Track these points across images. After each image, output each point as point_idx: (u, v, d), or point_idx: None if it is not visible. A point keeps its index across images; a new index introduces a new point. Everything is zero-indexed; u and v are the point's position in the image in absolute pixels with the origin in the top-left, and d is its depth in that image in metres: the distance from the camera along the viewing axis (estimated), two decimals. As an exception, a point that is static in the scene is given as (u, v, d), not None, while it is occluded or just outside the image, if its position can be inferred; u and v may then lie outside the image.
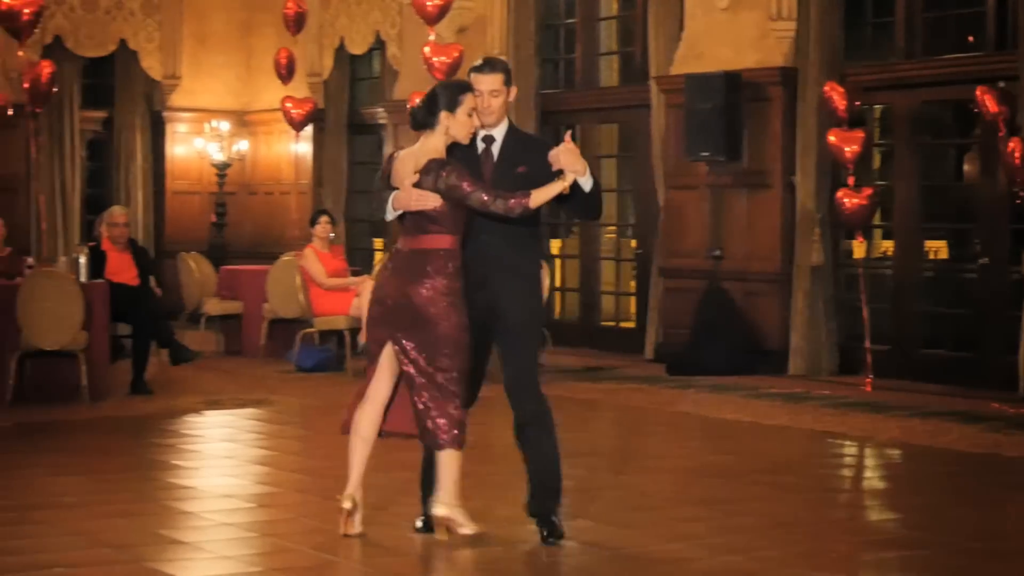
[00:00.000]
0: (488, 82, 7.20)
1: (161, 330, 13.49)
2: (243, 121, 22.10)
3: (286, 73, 19.01)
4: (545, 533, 7.24)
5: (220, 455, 10.14)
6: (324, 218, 15.31)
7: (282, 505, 8.34)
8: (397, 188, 7.15)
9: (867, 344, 13.60)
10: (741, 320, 14.90)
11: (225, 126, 21.78)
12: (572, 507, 8.24)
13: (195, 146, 22.01)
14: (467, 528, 7.18)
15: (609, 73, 18.01)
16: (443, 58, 15.34)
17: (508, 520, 7.55)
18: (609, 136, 18.30)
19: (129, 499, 8.44)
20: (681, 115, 15.41)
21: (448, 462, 7.09)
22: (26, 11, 14.26)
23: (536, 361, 7.33)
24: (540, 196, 6.95)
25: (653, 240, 16.24)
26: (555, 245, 18.35)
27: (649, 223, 16.49)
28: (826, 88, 13.70)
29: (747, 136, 14.96)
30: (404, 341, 7.11)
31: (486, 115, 7.20)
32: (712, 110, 14.84)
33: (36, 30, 14.89)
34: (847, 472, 10.34)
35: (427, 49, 15.41)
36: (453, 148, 7.19)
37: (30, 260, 13.69)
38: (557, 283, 17.77)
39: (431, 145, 7.15)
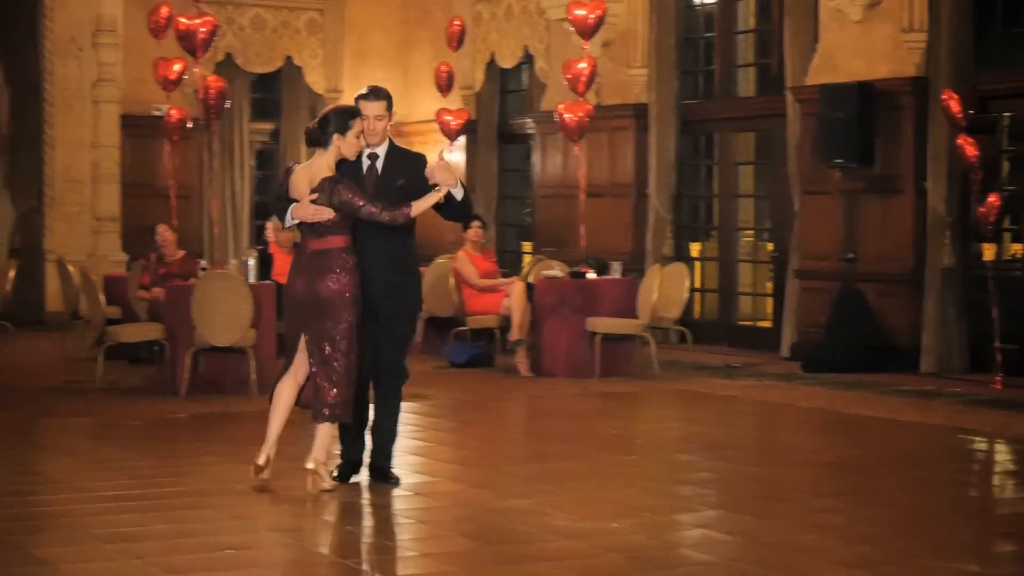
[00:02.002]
0: (374, 108, 8.08)
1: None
2: (400, 132, 22.22)
3: (445, 86, 19.15)
4: (384, 480, 8.30)
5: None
6: (476, 223, 15.37)
7: (436, 494, 8.35)
8: (294, 199, 7.95)
9: (996, 343, 13.32)
10: (874, 320, 14.68)
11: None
12: (713, 498, 8.18)
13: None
14: (327, 484, 8.03)
15: (746, 84, 17.84)
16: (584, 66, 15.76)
17: (656, 509, 7.50)
18: (746, 144, 18.14)
19: (295, 487, 8.47)
20: (815, 123, 15.21)
21: (324, 433, 8.04)
22: (202, 31, 14.47)
23: (404, 343, 8.41)
24: (419, 206, 7.93)
25: (789, 243, 16.05)
26: (695, 248, 18.22)
27: (785, 227, 16.30)
28: (943, 96, 13.46)
29: (879, 143, 14.72)
30: (310, 331, 7.97)
31: (371, 136, 8.06)
32: (846, 119, 14.64)
33: (210, 49, 15.07)
34: (978, 466, 10.12)
35: (583, 64, 15.79)
36: (341, 163, 8.00)
37: (203, 263, 13.89)
38: (697, 284, 17.64)
39: (323, 162, 7.95)
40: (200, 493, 8.22)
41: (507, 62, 20.40)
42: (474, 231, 15.27)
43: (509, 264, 18.35)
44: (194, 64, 15.06)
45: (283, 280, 13.27)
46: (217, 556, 6.67)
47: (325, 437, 8.08)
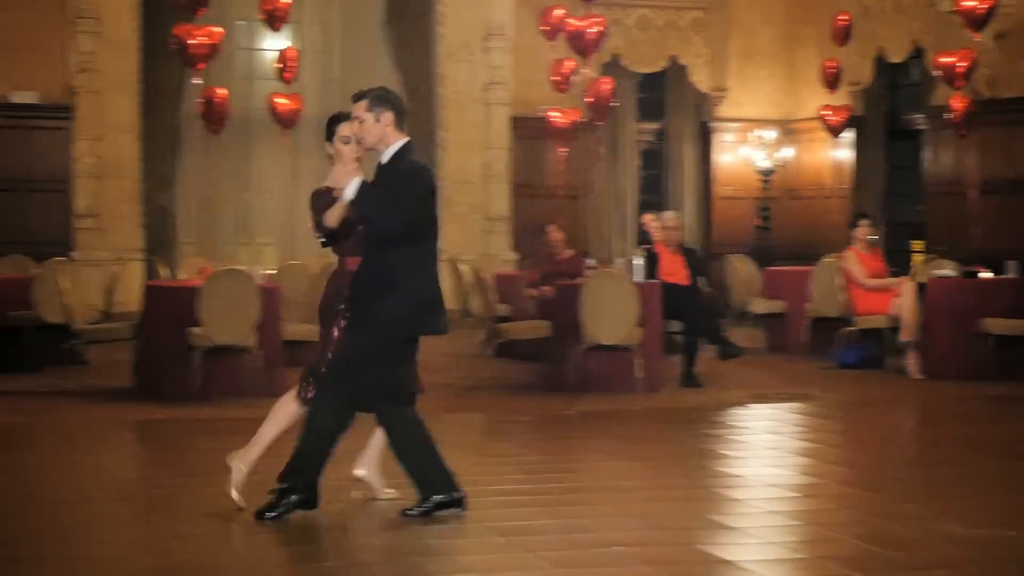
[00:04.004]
0: (354, 109, 7.38)
1: (710, 327, 13.55)
2: (786, 129, 22.00)
3: (832, 82, 18.85)
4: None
5: (765, 446, 10.08)
6: (865, 221, 15.08)
7: (825, 495, 8.21)
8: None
9: None
10: None
11: (770, 135, 21.75)
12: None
13: (740, 154, 22.06)
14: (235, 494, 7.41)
15: None
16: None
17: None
18: None
19: (680, 485, 8.51)
20: None
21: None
22: (591, 31, 14.65)
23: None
24: (330, 215, 7.35)
25: None
26: None
27: None
28: None
29: None
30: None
31: (365, 140, 7.40)
32: None
33: (598, 50, 15.25)
34: None
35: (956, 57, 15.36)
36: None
37: (591, 261, 14.05)
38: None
39: (333, 172, 7.44)
40: (589, 489, 8.32)
41: (896, 56, 19.91)
42: (863, 229, 14.99)
43: (898, 263, 17.89)
44: (583, 65, 15.26)
45: (669, 279, 13.43)
46: (605, 552, 6.71)
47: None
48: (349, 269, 7.50)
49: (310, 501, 7.31)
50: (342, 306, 7.45)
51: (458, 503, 7.42)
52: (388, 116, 7.37)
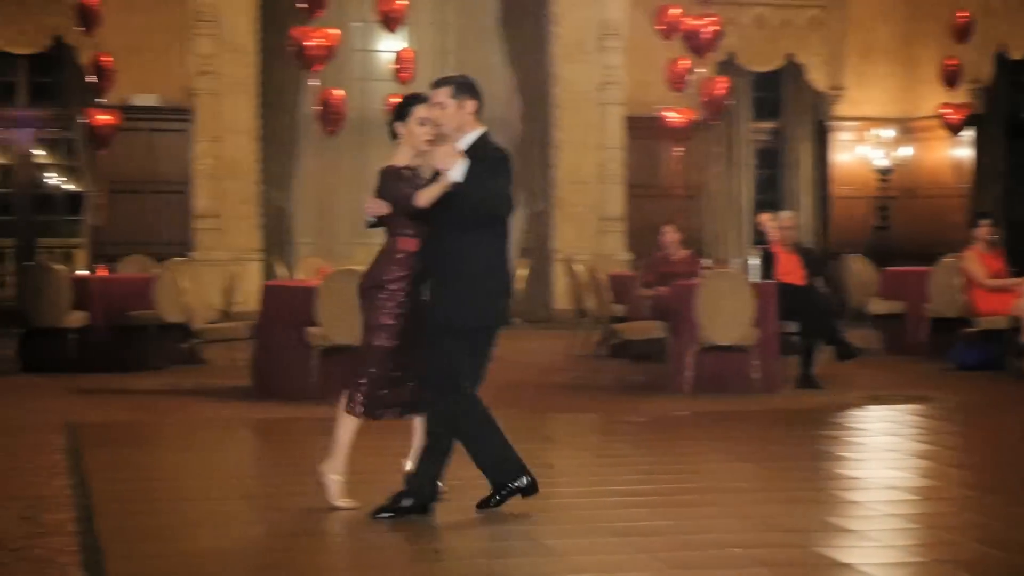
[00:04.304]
0: (434, 95, 7.44)
1: (827, 328, 13.46)
2: (904, 128, 21.77)
3: (952, 80, 18.63)
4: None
5: (883, 448, 9.98)
6: (986, 221, 14.89)
7: (944, 498, 8.12)
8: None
9: None
10: None
11: (888, 133, 21.53)
12: None
13: (858, 153, 21.86)
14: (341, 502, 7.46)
15: None
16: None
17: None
18: None
19: (797, 487, 8.46)
20: None
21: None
22: (706, 31, 14.59)
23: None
24: (426, 195, 7.26)
25: None
26: None
27: None
28: None
29: None
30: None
31: (442, 125, 7.41)
32: None
33: (713, 49, 15.18)
34: None
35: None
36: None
37: (706, 262, 14.00)
38: None
39: (397, 153, 7.55)
40: (704, 490, 8.29)
41: (1017, 53, 19.63)
42: (984, 229, 14.80)
43: (1020, 263, 17.64)
44: (699, 64, 15.21)
45: (786, 279, 13.34)
46: (722, 554, 6.70)
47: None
48: (402, 249, 7.51)
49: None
50: (394, 287, 7.45)
51: (530, 487, 7.46)
52: (471, 104, 7.46)
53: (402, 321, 7.47)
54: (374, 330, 7.48)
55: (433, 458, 7.41)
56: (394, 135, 7.67)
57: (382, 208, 7.50)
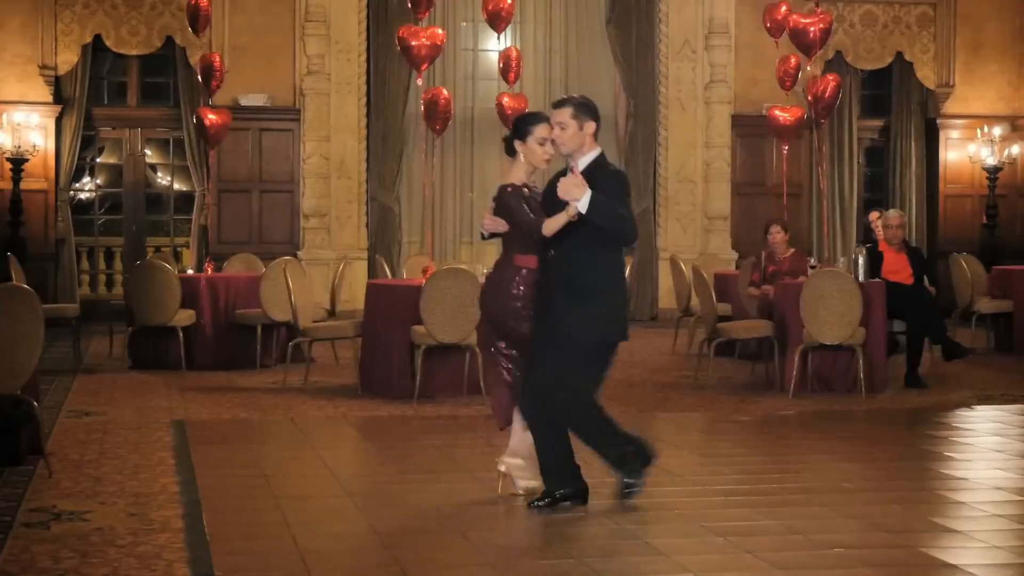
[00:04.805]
0: (556, 115, 7.55)
1: (935, 327, 13.35)
2: (1015, 125, 21.51)
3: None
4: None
5: (990, 448, 9.89)
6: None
7: (1054, 501, 8.06)
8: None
9: None
10: None
11: (997, 131, 21.28)
12: None
13: (967, 151, 21.63)
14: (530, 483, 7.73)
15: None
16: None
17: None
18: None
19: (903, 487, 8.42)
20: None
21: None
22: (814, 29, 14.49)
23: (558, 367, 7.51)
24: (551, 224, 7.39)
25: None
26: None
27: None
28: None
29: None
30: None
31: (560, 146, 7.56)
32: None
33: (821, 47, 15.07)
34: None
35: None
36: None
37: (812, 260, 13.94)
38: None
39: (512, 170, 7.74)
40: (810, 490, 8.27)
41: None
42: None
43: None
44: (807, 62, 15.13)
45: (892, 278, 13.26)
46: (827, 554, 6.69)
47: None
48: (519, 265, 7.66)
49: (648, 455, 7.65)
50: (518, 303, 7.62)
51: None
52: (591, 126, 7.61)
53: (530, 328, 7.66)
54: (518, 331, 7.67)
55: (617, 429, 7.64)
56: (511, 151, 7.81)
57: (500, 226, 7.68)
